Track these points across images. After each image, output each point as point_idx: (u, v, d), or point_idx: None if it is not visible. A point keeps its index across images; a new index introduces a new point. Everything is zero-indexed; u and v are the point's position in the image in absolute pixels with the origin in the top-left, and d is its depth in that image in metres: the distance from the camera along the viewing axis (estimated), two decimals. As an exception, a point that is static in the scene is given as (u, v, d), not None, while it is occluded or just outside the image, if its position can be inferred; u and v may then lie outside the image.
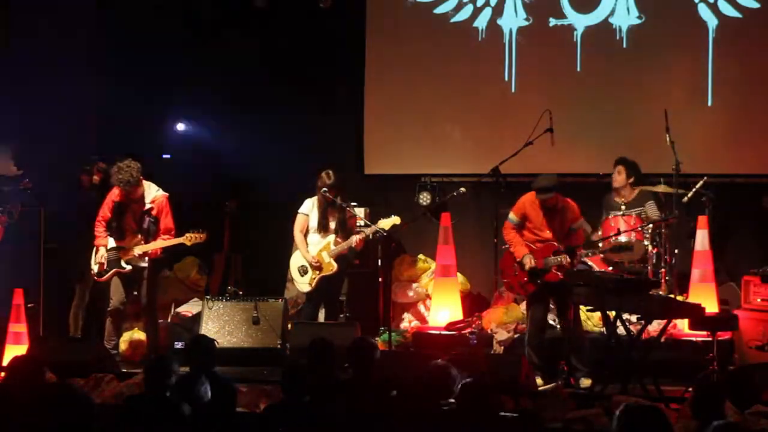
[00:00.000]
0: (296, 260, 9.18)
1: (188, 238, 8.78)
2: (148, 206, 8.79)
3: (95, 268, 8.88)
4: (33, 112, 10.36)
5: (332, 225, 9.06)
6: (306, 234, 9.11)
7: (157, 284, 9.13)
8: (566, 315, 8.42)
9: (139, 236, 8.77)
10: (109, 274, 8.81)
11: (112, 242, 8.83)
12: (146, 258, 8.81)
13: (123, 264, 8.78)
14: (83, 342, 9.17)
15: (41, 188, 9.79)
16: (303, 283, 9.15)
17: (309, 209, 9.12)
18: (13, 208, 9.30)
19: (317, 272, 9.04)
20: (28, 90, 10.40)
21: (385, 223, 8.95)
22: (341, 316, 9.79)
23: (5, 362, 8.62)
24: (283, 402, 6.07)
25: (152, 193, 8.85)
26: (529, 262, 8.37)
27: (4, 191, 9.41)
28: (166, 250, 8.97)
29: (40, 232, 9.74)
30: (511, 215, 8.60)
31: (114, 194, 8.85)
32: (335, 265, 9.03)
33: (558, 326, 9.36)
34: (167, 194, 8.92)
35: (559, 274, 8.33)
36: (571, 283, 8.22)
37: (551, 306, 8.69)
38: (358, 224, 9.38)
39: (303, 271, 9.12)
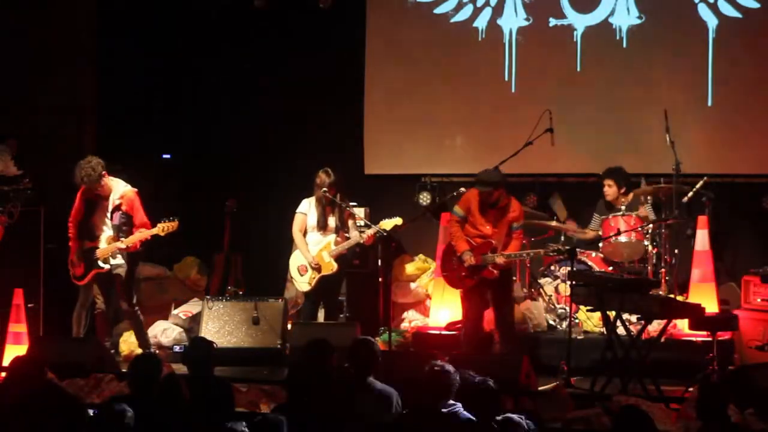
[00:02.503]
0: (296, 259, 9.18)
1: (161, 228, 8.69)
2: (117, 202, 8.72)
3: (71, 272, 8.82)
4: (34, 110, 10.39)
5: (332, 224, 9.05)
6: (305, 233, 9.11)
7: (135, 280, 9.08)
8: (503, 311, 8.52)
9: (111, 234, 8.69)
10: (89, 276, 8.75)
11: (86, 244, 8.76)
12: (121, 256, 8.72)
13: (101, 264, 8.72)
14: (83, 342, 9.16)
15: (41, 188, 9.78)
16: (302, 283, 9.14)
17: (307, 208, 9.12)
18: (13, 208, 9.29)
19: (317, 272, 9.04)
20: (29, 88, 10.42)
21: (387, 224, 8.95)
22: (341, 316, 9.78)
23: (5, 362, 8.65)
24: (288, 403, 6.09)
25: (120, 189, 8.74)
26: (468, 258, 8.44)
27: (4, 191, 9.39)
28: (143, 245, 8.85)
29: (40, 232, 9.73)
30: (456, 208, 8.68)
31: (83, 193, 8.76)
32: (335, 265, 9.02)
33: (556, 325, 9.41)
34: (136, 189, 8.81)
35: (494, 271, 8.41)
36: (572, 282, 8.27)
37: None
38: (358, 224, 9.39)
39: (303, 271, 9.11)
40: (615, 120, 10.49)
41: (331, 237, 9.04)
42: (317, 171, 9.06)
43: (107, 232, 8.71)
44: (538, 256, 9.15)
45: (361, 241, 9.02)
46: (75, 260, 8.78)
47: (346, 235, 9.05)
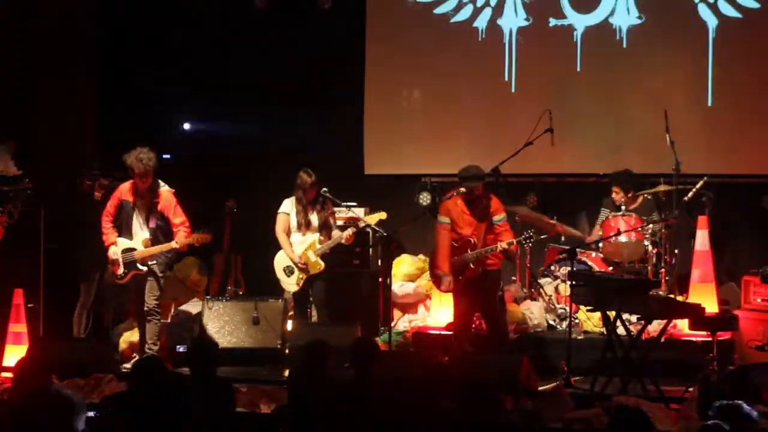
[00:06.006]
0: (281, 261, 9.17)
1: (195, 239, 8.73)
2: (153, 201, 8.72)
3: (116, 271, 8.76)
4: (34, 110, 10.38)
5: (315, 223, 9.06)
6: (288, 234, 9.12)
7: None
8: (487, 308, 8.50)
9: (147, 236, 8.72)
10: (128, 276, 8.74)
11: (123, 243, 8.74)
12: (158, 258, 8.73)
13: (139, 266, 8.70)
14: (83, 342, 9.17)
15: (41, 188, 9.78)
16: (290, 284, 9.15)
17: (289, 208, 9.13)
18: (13, 208, 9.29)
19: (304, 273, 9.04)
20: (28, 89, 10.42)
21: (372, 218, 8.97)
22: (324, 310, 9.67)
23: (5, 362, 8.65)
24: (290, 403, 6.10)
25: (159, 189, 8.79)
26: (447, 285, 8.48)
27: (4, 191, 9.39)
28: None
29: (40, 232, 9.73)
30: (441, 217, 8.63)
31: (120, 192, 8.79)
32: (322, 264, 9.03)
33: (556, 325, 9.40)
34: (173, 190, 8.88)
35: (477, 269, 8.42)
36: (572, 282, 8.28)
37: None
38: (338, 223, 9.40)
39: (289, 272, 9.11)
40: (615, 120, 10.49)
41: (315, 236, 9.05)
42: (298, 171, 9.08)
43: (142, 234, 8.71)
44: (510, 246, 8.97)
45: (342, 241, 9.02)
46: (111, 259, 8.73)
47: (332, 233, 9.06)
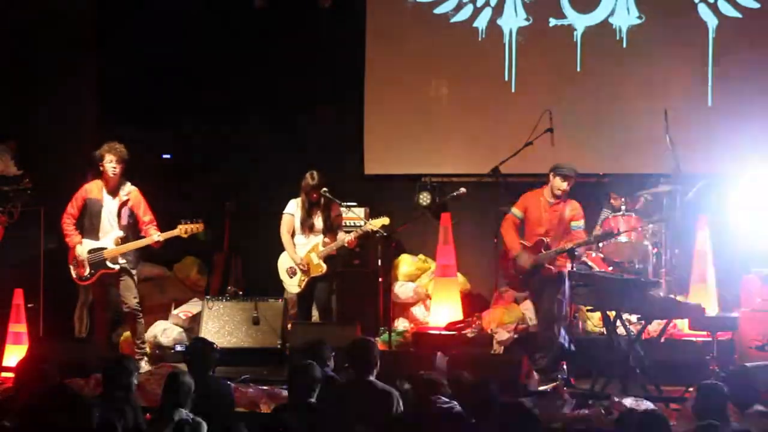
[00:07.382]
0: (284, 262, 9.17)
1: (183, 230, 8.67)
2: (124, 199, 8.66)
3: (74, 272, 8.70)
4: (34, 110, 10.39)
5: (318, 225, 9.05)
6: (292, 235, 9.11)
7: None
8: (546, 304, 8.56)
9: (120, 234, 8.62)
10: (95, 276, 8.66)
11: (90, 243, 8.66)
12: (129, 255, 8.65)
13: (110, 264, 8.63)
14: (83, 342, 9.16)
15: (41, 188, 9.78)
16: (292, 285, 9.14)
17: (294, 209, 9.12)
18: (13, 208, 9.29)
19: (306, 274, 9.03)
20: (29, 88, 10.43)
21: (375, 223, 8.98)
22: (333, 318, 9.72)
23: (5, 362, 8.66)
24: (290, 402, 6.10)
25: (127, 186, 8.72)
26: (525, 261, 8.54)
27: (4, 191, 9.39)
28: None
29: (40, 232, 9.73)
30: (515, 209, 8.79)
31: (85, 191, 8.71)
32: (324, 267, 9.02)
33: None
34: (138, 189, 8.78)
35: (552, 268, 8.48)
36: (572, 282, 8.28)
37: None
38: (354, 224, 9.39)
39: (291, 273, 9.11)
40: (615, 120, 10.49)
41: (319, 238, 9.04)
42: (305, 173, 9.07)
43: (114, 232, 8.66)
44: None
45: (344, 244, 9.01)
46: (78, 260, 8.67)
47: (338, 236, 9.06)
